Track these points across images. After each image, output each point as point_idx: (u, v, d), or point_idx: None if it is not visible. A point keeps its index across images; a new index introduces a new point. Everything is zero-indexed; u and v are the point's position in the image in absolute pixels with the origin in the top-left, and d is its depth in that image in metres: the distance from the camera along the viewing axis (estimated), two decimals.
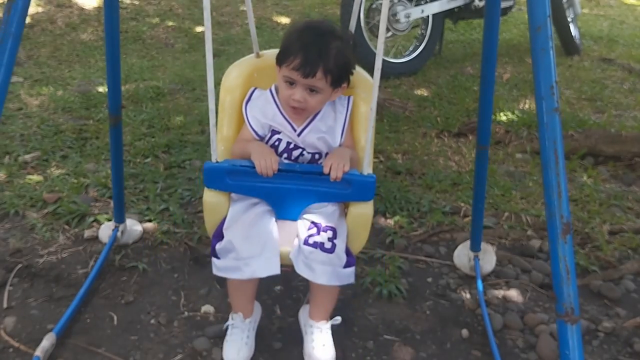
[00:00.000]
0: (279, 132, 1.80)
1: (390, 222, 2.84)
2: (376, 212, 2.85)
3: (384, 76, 4.46)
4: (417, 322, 2.21)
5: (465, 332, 2.16)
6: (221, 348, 1.93)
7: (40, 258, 2.44)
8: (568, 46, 5.84)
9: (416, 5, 4.88)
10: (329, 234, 1.70)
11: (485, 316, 2.19)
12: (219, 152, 1.74)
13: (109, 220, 2.63)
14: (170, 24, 6.27)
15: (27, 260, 2.42)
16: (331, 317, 1.91)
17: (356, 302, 2.29)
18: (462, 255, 2.51)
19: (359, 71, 1.87)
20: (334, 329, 1.90)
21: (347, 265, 1.71)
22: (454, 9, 5.17)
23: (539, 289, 2.42)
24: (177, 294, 2.27)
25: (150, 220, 2.71)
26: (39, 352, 1.87)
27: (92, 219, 2.70)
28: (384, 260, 2.53)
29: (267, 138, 1.81)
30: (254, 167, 1.67)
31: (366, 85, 1.83)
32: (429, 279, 2.46)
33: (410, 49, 5.13)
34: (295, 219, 1.73)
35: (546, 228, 1.34)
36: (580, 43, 6.00)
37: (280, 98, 1.78)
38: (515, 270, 2.53)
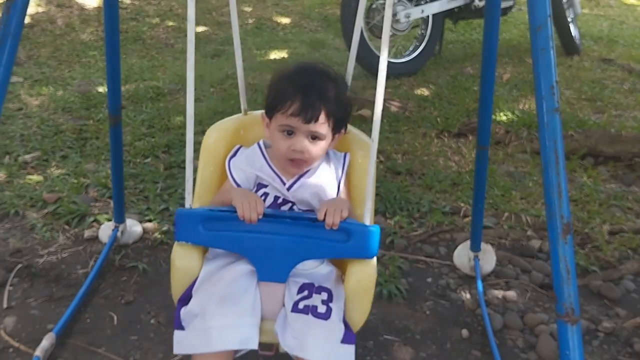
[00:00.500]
0: (265, 186, 1.59)
1: (390, 222, 2.84)
2: (376, 212, 2.85)
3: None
4: (417, 322, 2.21)
5: (465, 332, 2.16)
6: None
7: (40, 258, 2.44)
8: (568, 46, 5.84)
9: (416, 5, 4.88)
10: (324, 296, 1.43)
11: (485, 316, 2.19)
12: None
13: (109, 220, 2.63)
14: (170, 24, 6.27)
15: (27, 260, 2.42)
16: None
17: None
18: (462, 255, 2.51)
19: (355, 132, 1.73)
20: None
21: (345, 341, 1.39)
22: (454, 9, 5.16)
23: (539, 289, 2.42)
24: None
25: (150, 220, 2.71)
26: (38, 352, 1.87)
27: (92, 219, 2.70)
28: (384, 260, 2.53)
29: (253, 190, 1.60)
30: (235, 212, 1.43)
31: (364, 145, 1.66)
32: (429, 279, 2.46)
33: (410, 49, 5.13)
34: (282, 281, 1.45)
35: (546, 228, 1.34)
36: (580, 43, 5.99)
37: (274, 152, 1.59)
38: (515, 270, 2.53)
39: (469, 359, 2.05)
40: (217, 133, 1.71)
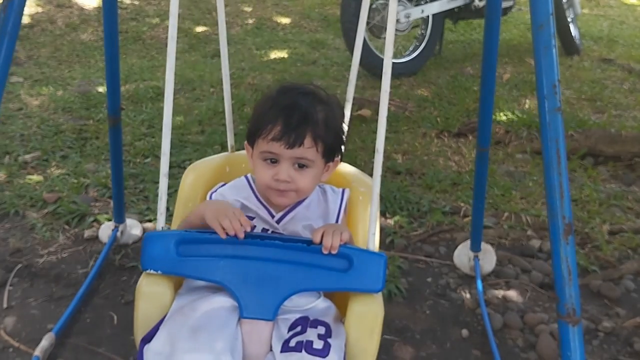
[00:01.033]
0: (252, 218, 1.39)
1: (390, 222, 2.84)
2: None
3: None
4: (417, 321, 2.21)
5: (465, 332, 2.16)
6: None
7: (40, 258, 2.44)
8: (568, 46, 5.84)
9: (416, 5, 4.88)
10: (320, 330, 1.20)
11: (485, 316, 2.19)
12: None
13: (109, 220, 2.63)
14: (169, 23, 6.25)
15: (27, 260, 2.41)
16: None
17: None
18: (462, 255, 2.51)
19: (355, 171, 1.61)
20: None
21: None
22: (454, 9, 5.16)
23: (539, 289, 2.42)
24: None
25: (150, 220, 2.71)
26: (38, 352, 1.87)
27: (92, 219, 2.70)
28: None
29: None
30: (214, 233, 1.22)
31: (364, 183, 1.55)
32: (429, 279, 2.46)
33: (410, 49, 5.12)
34: (269, 319, 1.21)
35: (546, 228, 1.34)
36: (580, 43, 5.99)
37: (257, 185, 1.42)
38: (515, 270, 2.53)
39: (469, 358, 2.05)
40: (195, 173, 1.55)
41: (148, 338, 1.21)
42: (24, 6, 1.46)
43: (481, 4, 5.15)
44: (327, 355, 1.15)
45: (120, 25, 5.55)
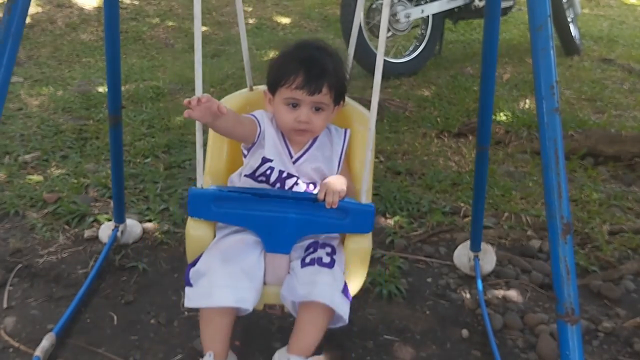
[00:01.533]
0: (270, 160, 1.67)
1: (390, 222, 2.84)
2: (376, 212, 2.85)
3: (384, 76, 4.47)
4: (417, 322, 2.21)
5: (465, 332, 2.16)
6: None
7: (40, 258, 2.44)
8: (568, 46, 5.84)
9: (416, 5, 4.88)
10: (327, 249, 1.58)
11: (485, 316, 2.19)
12: (205, 183, 1.62)
13: (109, 220, 2.63)
14: (170, 24, 6.27)
15: (27, 260, 2.42)
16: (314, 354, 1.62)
17: (356, 302, 2.28)
18: (462, 255, 2.51)
19: (356, 105, 1.82)
20: (334, 329, 1.90)
21: (345, 293, 1.54)
22: (454, 9, 5.17)
23: (539, 289, 2.42)
24: (177, 294, 2.27)
25: (150, 220, 2.71)
26: (38, 352, 1.87)
27: (92, 219, 2.70)
28: (384, 260, 2.53)
29: (257, 166, 1.68)
30: (243, 193, 1.55)
31: (363, 119, 1.75)
32: (429, 279, 2.46)
33: (410, 49, 5.13)
34: (286, 252, 1.58)
35: (546, 228, 1.34)
36: (580, 43, 5.99)
37: (280, 125, 1.67)
38: (515, 270, 2.53)
39: (469, 359, 2.05)
40: (229, 104, 1.77)
41: (192, 263, 1.58)
42: (28, 8, 1.47)
43: (481, 4, 5.16)
44: (332, 267, 1.54)
45: (120, 25, 5.55)
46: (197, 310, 2.18)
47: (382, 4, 5.02)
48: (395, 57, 5.06)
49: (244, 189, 1.60)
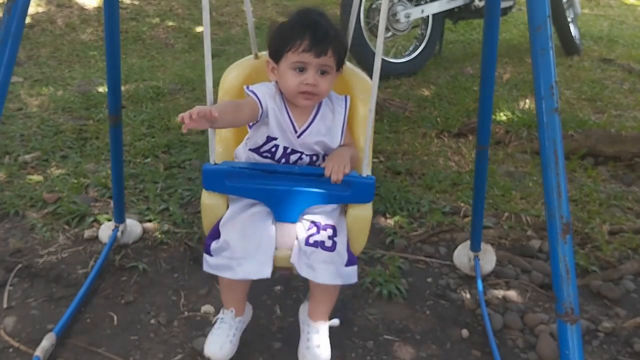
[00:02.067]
0: (275, 138, 1.73)
1: (390, 222, 2.84)
2: (376, 212, 2.85)
3: (384, 76, 4.45)
4: (417, 322, 2.21)
5: (465, 332, 2.16)
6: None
7: (40, 258, 2.44)
8: (568, 46, 5.84)
9: (416, 5, 4.88)
10: (329, 232, 1.67)
11: (485, 316, 2.19)
12: (217, 153, 1.72)
13: (109, 220, 2.63)
14: (170, 24, 6.27)
15: (27, 260, 2.42)
16: (330, 318, 1.87)
17: (356, 302, 2.29)
18: (462, 255, 2.51)
19: (357, 72, 1.86)
20: (334, 329, 1.90)
21: (349, 264, 1.68)
22: (454, 9, 5.16)
23: (539, 289, 2.42)
24: (177, 294, 2.27)
25: (150, 220, 2.71)
26: (38, 352, 1.87)
27: (92, 219, 2.70)
28: (384, 260, 2.53)
29: (262, 144, 1.74)
30: (253, 169, 1.66)
31: (364, 86, 1.81)
32: (429, 279, 2.46)
33: (410, 49, 5.13)
34: (294, 221, 1.69)
35: (546, 228, 1.34)
36: (580, 43, 5.99)
37: (285, 92, 1.72)
38: (515, 270, 2.53)
39: (469, 359, 2.05)
40: (237, 70, 1.88)
41: (212, 234, 1.69)
42: (27, 8, 1.47)
43: (481, 4, 5.16)
44: (334, 249, 1.64)
45: (120, 25, 5.55)
46: (197, 309, 2.19)
47: (381, 4, 4.99)
48: (395, 57, 5.06)
49: (253, 164, 1.69)
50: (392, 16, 4.74)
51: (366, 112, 1.70)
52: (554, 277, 1.30)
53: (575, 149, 3.56)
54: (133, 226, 2.59)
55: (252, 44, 1.92)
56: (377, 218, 2.84)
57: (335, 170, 1.63)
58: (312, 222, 1.69)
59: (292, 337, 2.03)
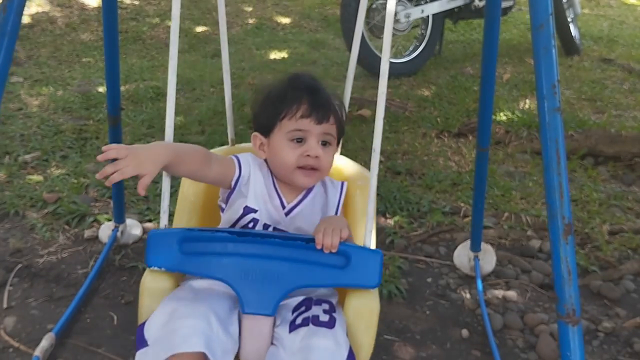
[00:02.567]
0: (254, 211, 1.40)
1: (390, 222, 2.84)
2: (376, 212, 2.85)
3: None
4: (417, 322, 2.21)
5: (465, 332, 2.16)
6: None
7: (40, 258, 2.44)
8: (568, 46, 5.83)
9: (416, 5, 4.88)
10: (325, 306, 1.28)
11: (485, 316, 2.19)
12: (179, 215, 1.40)
13: (109, 220, 2.63)
14: (170, 24, 6.25)
15: (27, 260, 2.41)
16: None
17: None
18: (462, 255, 2.51)
19: (352, 163, 1.64)
20: None
21: (350, 357, 1.21)
22: (454, 9, 5.16)
23: (539, 289, 2.42)
24: None
25: (150, 220, 2.71)
26: (38, 352, 1.87)
27: (92, 219, 2.70)
28: (384, 260, 2.53)
29: (237, 218, 1.40)
30: (217, 232, 1.28)
31: (362, 176, 1.57)
32: (429, 279, 2.46)
33: (410, 49, 5.12)
34: (269, 314, 1.23)
35: (546, 228, 1.34)
36: (580, 43, 5.99)
37: (278, 169, 1.43)
38: (515, 270, 2.53)
39: (469, 359, 2.05)
40: None
41: (144, 323, 1.25)
42: (23, 6, 1.46)
43: (481, 3, 5.15)
44: (333, 327, 1.21)
45: (120, 25, 5.55)
46: None
47: (382, 4, 4.97)
48: (395, 57, 5.06)
49: (217, 228, 1.33)
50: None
51: (365, 201, 1.35)
52: (555, 278, 1.30)
53: (575, 149, 3.56)
54: (133, 226, 2.59)
55: (229, 130, 1.65)
56: (377, 218, 2.84)
57: (328, 233, 1.24)
58: (300, 301, 1.31)
59: None
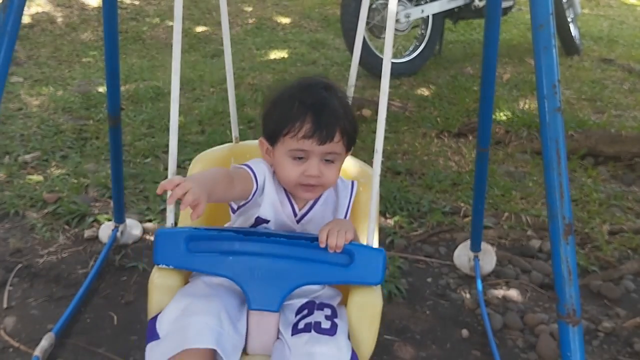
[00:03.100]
0: (266, 221, 1.40)
1: (390, 222, 2.84)
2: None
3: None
4: (417, 322, 2.21)
5: (465, 332, 2.16)
6: None
7: (40, 258, 2.44)
8: (568, 46, 5.83)
9: (416, 5, 4.88)
10: (327, 312, 1.29)
11: (485, 316, 2.19)
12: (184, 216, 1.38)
13: (109, 220, 2.63)
14: (170, 24, 6.24)
15: (27, 260, 2.41)
16: None
17: None
18: (462, 255, 2.51)
19: (355, 162, 1.63)
20: None
21: None
22: (454, 9, 5.16)
23: (539, 289, 2.42)
24: None
25: (150, 220, 2.71)
26: (38, 352, 1.87)
27: (92, 219, 2.70)
28: None
29: (249, 225, 1.41)
30: (224, 231, 1.31)
31: (365, 174, 1.58)
32: (429, 279, 2.46)
33: (410, 49, 5.12)
34: (274, 310, 1.27)
35: (546, 228, 1.33)
36: (580, 43, 5.99)
37: (282, 181, 1.41)
38: (515, 270, 2.53)
39: (469, 359, 2.05)
40: (202, 163, 1.58)
41: (157, 317, 1.29)
42: (23, 6, 1.46)
43: (481, 3, 5.15)
44: (334, 334, 1.23)
45: (120, 25, 5.54)
46: None
47: (382, 4, 4.97)
48: (395, 57, 5.05)
49: (224, 227, 1.36)
50: None
51: (368, 199, 1.42)
52: (555, 278, 1.29)
53: (575, 149, 3.56)
54: (133, 226, 2.59)
55: (232, 127, 1.66)
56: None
57: (333, 234, 1.27)
58: (302, 304, 1.34)
59: None
